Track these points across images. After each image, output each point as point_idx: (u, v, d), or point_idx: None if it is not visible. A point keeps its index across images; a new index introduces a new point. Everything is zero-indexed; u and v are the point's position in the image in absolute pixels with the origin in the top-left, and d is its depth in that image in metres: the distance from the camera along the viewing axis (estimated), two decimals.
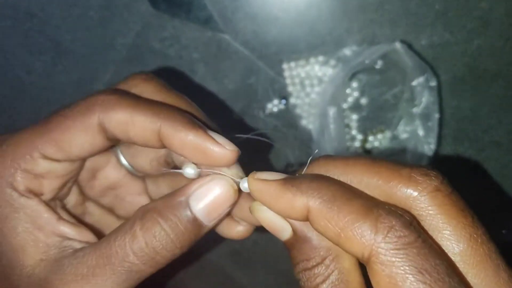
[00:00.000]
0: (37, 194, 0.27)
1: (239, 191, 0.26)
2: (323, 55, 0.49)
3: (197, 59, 0.49)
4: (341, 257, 0.22)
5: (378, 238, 0.19)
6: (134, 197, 0.33)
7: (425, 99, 0.48)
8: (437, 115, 0.48)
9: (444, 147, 0.51)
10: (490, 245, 0.20)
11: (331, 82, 0.48)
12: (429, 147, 0.49)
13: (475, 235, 0.20)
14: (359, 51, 0.47)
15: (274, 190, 0.23)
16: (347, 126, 0.50)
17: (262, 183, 0.23)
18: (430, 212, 0.21)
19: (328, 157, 0.24)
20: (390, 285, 0.19)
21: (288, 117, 0.51)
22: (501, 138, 0.51)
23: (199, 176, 0.27)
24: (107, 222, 0.33)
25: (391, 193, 0.21)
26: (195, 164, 0.27)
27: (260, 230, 0.28)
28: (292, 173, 0.24)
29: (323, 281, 0.22)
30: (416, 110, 0.49)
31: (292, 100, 0.50)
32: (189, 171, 0.27)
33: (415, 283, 0.18)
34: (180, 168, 0.27)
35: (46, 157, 0.26)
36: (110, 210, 0.33)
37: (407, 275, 0.18)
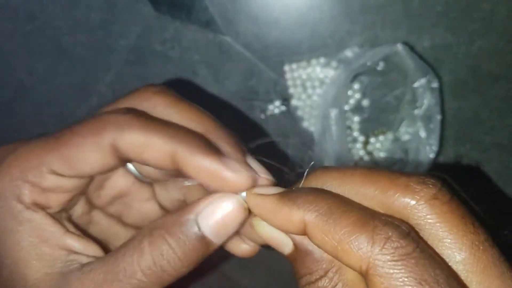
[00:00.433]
0: (43, 208, 0.26)
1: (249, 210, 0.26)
2: (325, 57, 0.48)
3: (199, 61, 0.49)
4: (344, 269, 0.22)
5: (375, 250, 0.19)
6: (142, 203, 0.33)
7: (427, 100, 0.48)
8: (439, 117, 0.48)
9: (446, 149, 0.51)
10: (494, 251, 0.20)
11: (333, 84, 0.48)
12: (431, 149, 0.49)
13: (476, 242, 0.20)
14: (361, 53, 0.47)
15: (271, 205, 0.23)
16: (349, 128, 0.50)
17: (260, 198, 0.23)
18: (429, 220, 0.20)
19: (325, 169, 0.24)
20: None
21: (290, 119, 0.51)
22: (503, 140, 0.51)
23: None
24: (114, 231, 0.32)
25: (389, 203, 0.21)
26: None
27: None
28: (289, 183, 0.24)
29: None
30: (418, 111, 0.49)
31: (294, 102, 0.50)
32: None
33: None
34: None
35: (55, 172, 0.26)
36: (117, 218, 0.33)
37: (406, 287, 0.18)
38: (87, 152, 0.26)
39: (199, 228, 0.25)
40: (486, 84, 0.49)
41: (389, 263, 0.18)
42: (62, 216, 0.28)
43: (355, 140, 0.51)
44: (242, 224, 0.26)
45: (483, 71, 0.49)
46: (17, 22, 0.49)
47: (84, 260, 0.26)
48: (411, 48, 0.47)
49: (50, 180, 0.26)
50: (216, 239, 0.25)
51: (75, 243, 0.26)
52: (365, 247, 0.19)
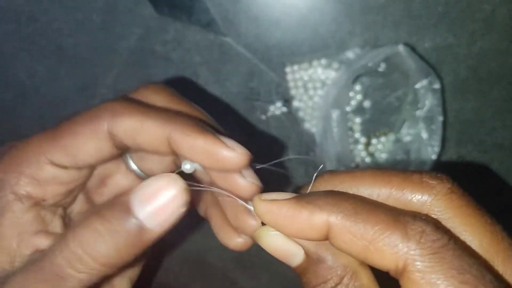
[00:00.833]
0: (38, 201, 0.26)
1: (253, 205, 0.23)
2: (326, 58, 0.48)
3: (200, 62, 0.49)
4: (358, 274, 0.21)
5: (412, 245, 0.18)
6: None
7: (428, 101, 0.48)
8: (440, 118, 0.48)
9: (447, 150, 0.51)
10: (510, 240, 0.20)
11: (334, 85, 0.48)
12: (432, 150, 0.49)
13: (495, 232, 0.20)
14: (362, 54, 0.47)
15: (287, 210, 0.21)
16: (350, 129, 0.50)
17: (272, 204, 0.21)
18: (447, 215, 0.20)
19: (333, 172, 0.23)
20: None
21: (291, 120, 0.51)
22: (504, 141, 0.51)
23: (195, 170, 0.26)
24: None
25: (406, 201, 0.21)
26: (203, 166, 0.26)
27: None
28: (296, 188, 0.24)
29: None
30: (419, 113, 0.48)
31: (295, 103, 0.50)
32: (186, 166, 0.26)
33: (458, 285, 0.18)
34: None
35: (53, 162, 0.26)
36: None
37: (448, 278, 0.18)
38: (85, 140, 0.26)
39: (133, 213, 0.22)
40: (488, 84, 0.49)
41: (427, 256, 0.18)
42: (57, 211, 0.28)
43: (356, 142, 0.51)
44: (185, 207, 0.22)
45: (484, 71, 0.48)
46: (18, 24, 0.49)
47: None
48: (412, 49, 0.47)
49: (48, 172, 0.26)
50: (152, 225, 0.22)
51: (47, 242, 0.25)
52: (400, 244, 0.18)
